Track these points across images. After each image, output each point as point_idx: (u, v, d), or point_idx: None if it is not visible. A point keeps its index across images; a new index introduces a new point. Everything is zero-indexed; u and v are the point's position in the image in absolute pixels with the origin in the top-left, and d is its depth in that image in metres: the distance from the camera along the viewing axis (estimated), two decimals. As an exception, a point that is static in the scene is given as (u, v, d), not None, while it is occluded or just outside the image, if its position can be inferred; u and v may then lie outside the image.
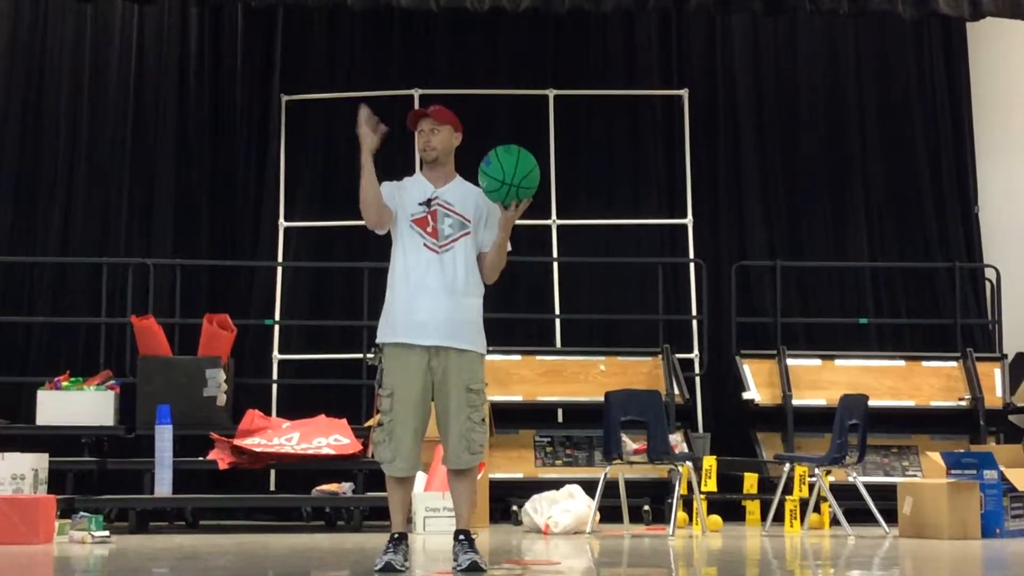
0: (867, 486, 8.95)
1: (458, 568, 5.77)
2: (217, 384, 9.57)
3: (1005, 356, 10.89)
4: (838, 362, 10.76)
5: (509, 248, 6.02)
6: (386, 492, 5.95)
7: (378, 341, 5.92)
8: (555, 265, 11.33)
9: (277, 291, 11.19)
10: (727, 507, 9.90)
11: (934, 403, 10.56)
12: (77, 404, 9.46)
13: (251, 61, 11.58)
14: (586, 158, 11.64)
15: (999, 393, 10.57)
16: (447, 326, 5.81)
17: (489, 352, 6.11)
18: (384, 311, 5.94)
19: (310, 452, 9.27)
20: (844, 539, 8.28)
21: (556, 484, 9.21)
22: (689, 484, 9.06)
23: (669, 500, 9.08)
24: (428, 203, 5.92)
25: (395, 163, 10.66)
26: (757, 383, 10.47)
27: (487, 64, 11.70)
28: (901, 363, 10.80)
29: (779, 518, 9.04)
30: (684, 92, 11.59)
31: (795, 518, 8.98)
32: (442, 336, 5.81)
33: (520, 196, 5.76)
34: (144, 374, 9.61)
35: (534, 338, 11.11)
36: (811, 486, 9.01)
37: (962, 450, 9.47)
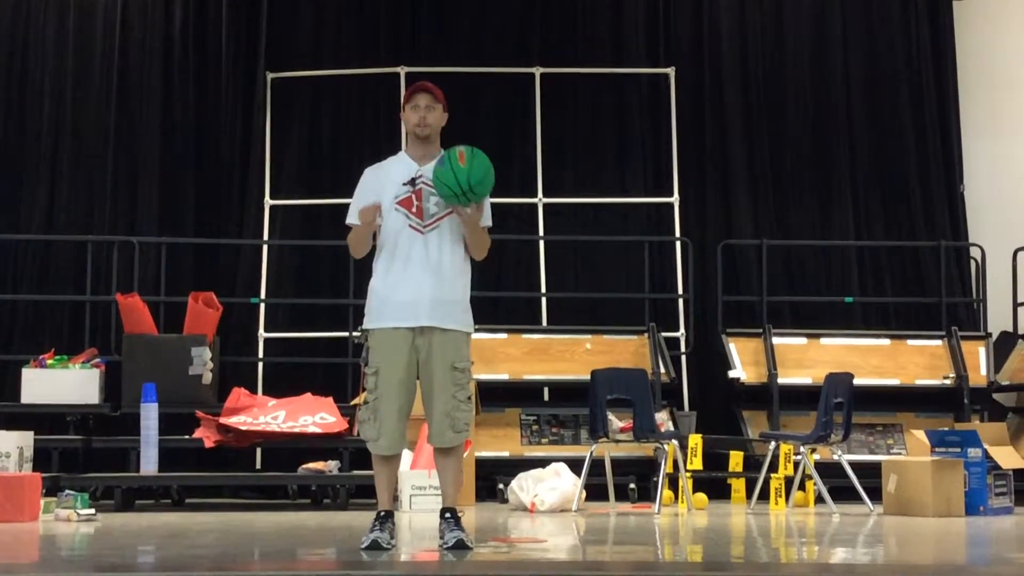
0: (852, 464, 8.98)
1: (444, 546, 5.77)
2: (203, 362, 9.56)
3: (990, 335, 10.92)
4: (823, 341, 10.79)
5: (488, 237, 5.98)
6: (372, 470, 5.96)
7: (366, 327, 5.91)
8: (541, 243, 11.32)
9: (263, 269, 11.17)
10: (713, 485, 9.93)
11: (919, 381, 10.60)
12: (62, 382, 9.45)
13: (236, 39, 11.52)
14: (572, 136, 11.62)
15: (983, 371, 10.61)
16: (432, 306, 5.80)
17: (475, 330, 6.10)
18: (369, 294, 5.93)
19: (296, 430, 9.27)
20: (829, 517, 8.31)
21: (542, 462, 9.21)
22: (675, 462, 9.08)
23: (655, 478, 9.10)
24: (412, 182, 5.90)
25: (380, 145, 10.69)
26: (743, 361, 10.49)
27: (473, 42, 11.66)
28: (886, 342, 10.83)
29: (764, 496, 9.07)
30: (671, 70, 11.58)
31: (780, 496, 9.01)
32: (427, 316, 5.80)
33: (475, 199, 5.75)
34: (129, 352, 9.60)
35: (520, 316, 11.11)
36: (796, 464, 9.04)
37: (946, 428, 9.51)
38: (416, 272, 5.80)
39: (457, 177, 5.70)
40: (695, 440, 9.49)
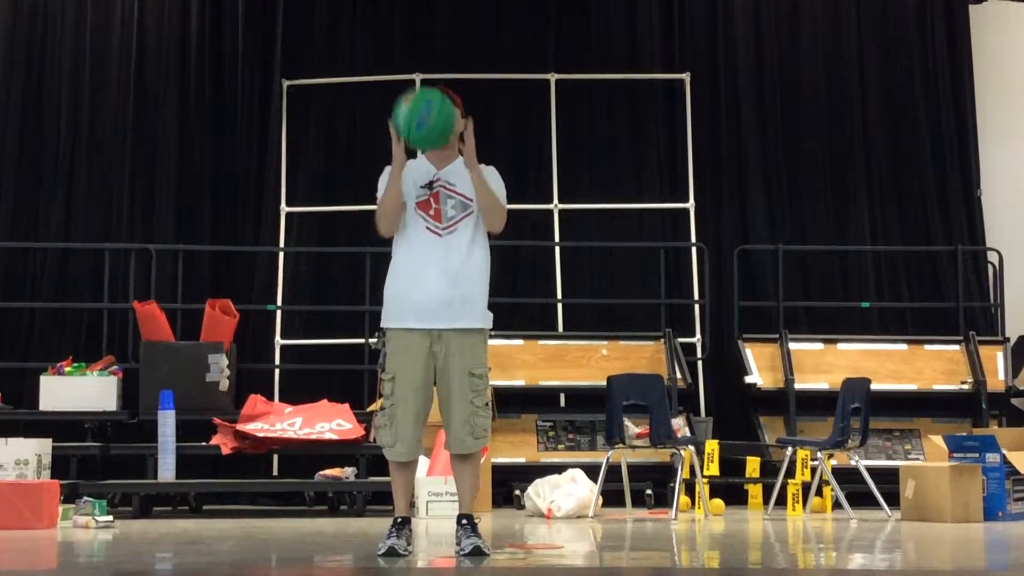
0: (869, 470, 8.96)
1: (461, 552, 5.77)
2: (220, 369, 9.58)
3: (1007, 339, 10.89)
4: (840, 346, 10.77)
5: (503, 204, 5.96)
6: (389, 477, 5.96)
7: (383, 326, 5.92)
8: (557, 249, 11.33)
9: (279, 276, 11.20)
10: (729, 491, 9.92)
11: (936, 387, 10.57)
12: (80, 389, 9.47)
13: (252, 46, 11.57)
14: (588, 142, 11.63)
15: (1001, 376, 10.58)
16: (450, 308, 5.80)
17: (491, 336, 6.10)
18: (386, 295, 5.94)
19: (313, 437, 9.28)
20: (846, 522, 8.29)
21: (559, 468, 9.22)
22: (691, 468, 9.07)
23: (672, 484, 9.09)
24: (430, 185, 5.90)
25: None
26: (759, 367, 10.48)
27: (489, 48, 11.69)
28: (903, 347, 10.81)
29: (781, 502, 9.05)
30: (686, 76, 11.58)
31: (797, 502, 8.99)
32: (445, 319, 5.80)
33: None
34: (147, 359, 9.62)
35: (536, 322, 11.12)
36: (813, 470, 9.02)
37: (964, 433, 9.48)
38: (434, 275, 5.80)
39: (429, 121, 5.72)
40: (712, 446, 9.48)
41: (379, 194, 5.92)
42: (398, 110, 5.80)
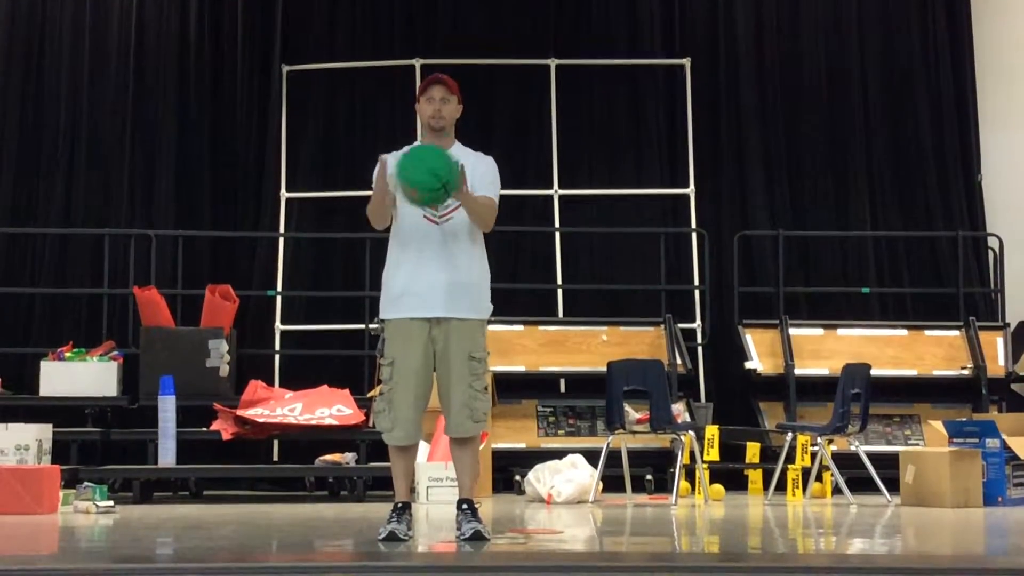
0: (869, 455, 8.96)
1: (461, 537, 5.78)
2: (220, 355, 9.59)
3: (1007, 325, 10.89)
4: (840, 331, 10.76)
5: (491, 207, 5.91)
6: (389, 462, 5.97)
7: (381, 317, 5.92)
8: (557, 235, 11.32)
9: (279, 262, 11.19)
10: (729, 476, 9.92)
11: (936, 372, 10.58)
12: (80, 375, 9.49)
13: (252, 32, 11.54)
14: (588, 128, 11.61)
15: (1001, 362, 10.58)
16: (447, 296, 5.80)
17: (491, 322, 6.10)
18: (384, 284, 5.93)
19: (313, 422, 9.29)
20: (846, 508, 8.30)
21: (559, 454, 9.22)
22: (691, 453, 9.08)
23: (672, 469, 9.10)
24: (427, 173, 5.88)
25: (395, 137, 10.69)
26: (759, 352, 10.48)
27: (489, 34, 11.65)
28: (903, 332, 10.81)
29: (781, 487, 9.06)
30: (686, 61, 11.56)
31: (797, 487, 9.00)
32: (443, 307, 5.80)
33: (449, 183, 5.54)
34: (147, 345, 9.64)
35: (536, 308, 11.11)
36: (813, 455, 9.03)
37: (964, 419, 9.48)
38: (431, 263, 5.80)
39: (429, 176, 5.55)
40: (712, 431, 9.48)
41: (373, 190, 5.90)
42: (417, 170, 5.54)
